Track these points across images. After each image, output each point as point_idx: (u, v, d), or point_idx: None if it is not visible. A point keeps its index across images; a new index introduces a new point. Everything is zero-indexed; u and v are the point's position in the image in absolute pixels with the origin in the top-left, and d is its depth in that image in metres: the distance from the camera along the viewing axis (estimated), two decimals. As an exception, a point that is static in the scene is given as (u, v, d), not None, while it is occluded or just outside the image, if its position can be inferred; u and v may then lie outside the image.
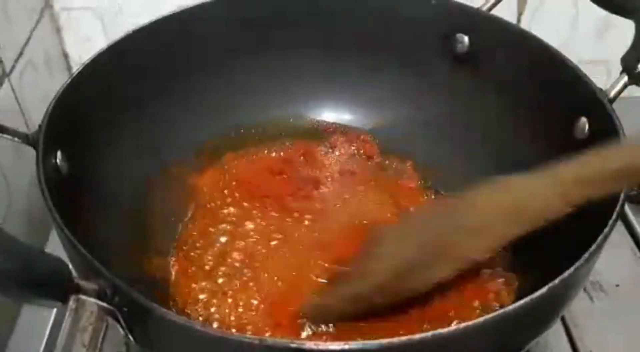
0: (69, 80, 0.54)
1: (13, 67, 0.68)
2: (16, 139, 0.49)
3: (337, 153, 0.71)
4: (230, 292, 0.56)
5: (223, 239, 0.61)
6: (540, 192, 0.45)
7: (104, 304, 0.40)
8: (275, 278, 0.57)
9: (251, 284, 0.57)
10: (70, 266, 0.39)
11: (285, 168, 0.68)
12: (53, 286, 0.37)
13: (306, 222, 0.63)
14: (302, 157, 0.69)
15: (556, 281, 0.40)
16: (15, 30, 0.71)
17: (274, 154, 0.70)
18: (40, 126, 0.50)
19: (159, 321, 0.39)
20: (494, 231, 0.46)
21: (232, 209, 0.63)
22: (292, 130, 0.72)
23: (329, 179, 0.68)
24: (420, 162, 0.69)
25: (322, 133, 0.72)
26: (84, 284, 0.39)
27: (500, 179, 0.47)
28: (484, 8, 0.64)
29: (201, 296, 0.56)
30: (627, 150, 0.45)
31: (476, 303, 0.54)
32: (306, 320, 0.52)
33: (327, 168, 0.69)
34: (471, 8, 0.65)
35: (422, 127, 0.69)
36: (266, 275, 0.57)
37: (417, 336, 0.37)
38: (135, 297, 0.39)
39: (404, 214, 0.61)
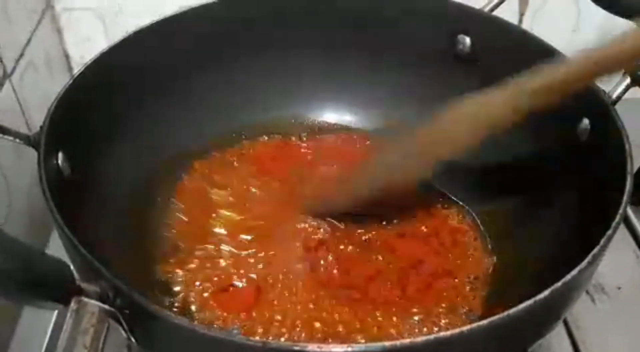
0: (71, 81, 0.54)
1: (14, 67, 0.68)
2: (17, 140, 0.49)
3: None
4: (231, 288, 0.56)
5: (225, 240, 0.61)
6: (493, 105, 0.53)
7: (106, 306, 0.39)
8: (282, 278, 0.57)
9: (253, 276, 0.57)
10: (72, 268, 0.39)
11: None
12: (54, 288, 0.37)
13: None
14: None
15: (559, 283, 0.40)
16: (16, 30, 0.71)
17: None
18: (41, 127, 0.50)
19: (161, 322, 0.39)
20: (455, 139, 0.55)
21: (234, 209, 0.63)
22: (294, 131, 0.72)
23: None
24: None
25: (324, 134, 0.72)
26: (85, 286, 0.39)
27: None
28: (486, 9, 0.64)
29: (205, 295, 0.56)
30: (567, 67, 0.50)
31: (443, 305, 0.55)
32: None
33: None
34: (473, 9, 0.64)
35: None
36: (270, 275, 0.57)
37: (420, 339, 0.37)
38: (137, 299, 0.39)
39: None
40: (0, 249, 0.35)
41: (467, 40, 0.65)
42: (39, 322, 0.60)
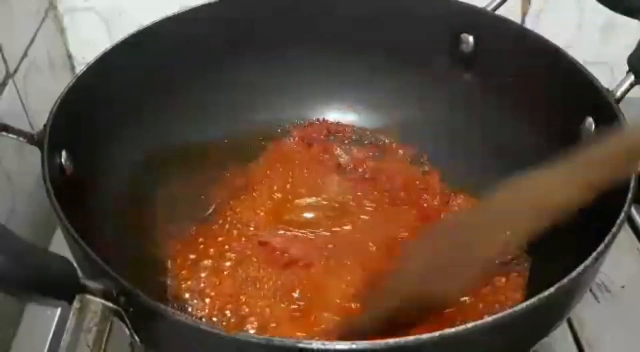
0: (74, 80, 0.55)
1: (17, 67, 0.68)
2: (21, 138, 0.49)
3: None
4: (243, 297, 0.55)
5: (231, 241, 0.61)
6: (559, 183, 0.45)
7: (110, 304, 0.39)
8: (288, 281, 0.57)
9: (265, 286, 0.57)
10: (75, 265, 0.39)
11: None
12: (58, 285, 0.37)
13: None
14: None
15: (564, 280, 0.39)
16: (19, 30, 0.71)
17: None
18: (45, 126, 0.50)
19: (165, 321, 0.38)
20: (514, 226, 0.46)
21: (239, 211, 0.63)
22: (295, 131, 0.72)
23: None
24: (424, 162, 0.69)
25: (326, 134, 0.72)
26: (89, 283, 0.38)
27: (518, 178, 0.46)
28: (489, 8, 0.64)
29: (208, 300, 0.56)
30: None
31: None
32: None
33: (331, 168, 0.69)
34: (476, 8, 0.64)
35: (426, 127, 0.69)
36: (279, 281, 0.57)
37: (425, 336, 0.36)
38: (141, 298, 0.38)
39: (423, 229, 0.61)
40: (4, 246, 0.35)
41: (471, 39, 0.65)
42: (41, 321, 0.60)
